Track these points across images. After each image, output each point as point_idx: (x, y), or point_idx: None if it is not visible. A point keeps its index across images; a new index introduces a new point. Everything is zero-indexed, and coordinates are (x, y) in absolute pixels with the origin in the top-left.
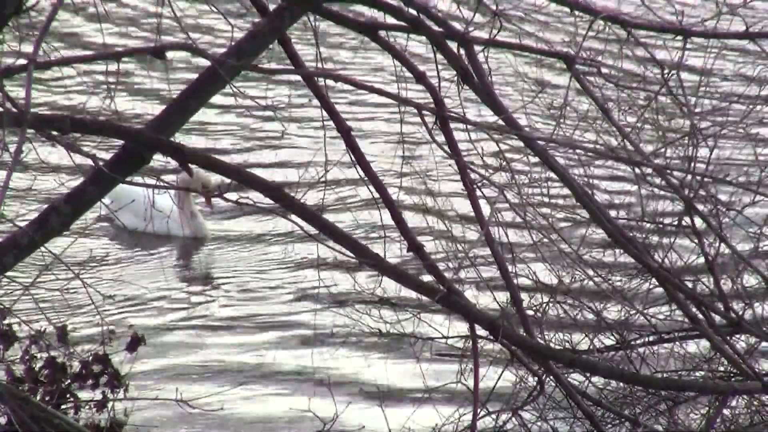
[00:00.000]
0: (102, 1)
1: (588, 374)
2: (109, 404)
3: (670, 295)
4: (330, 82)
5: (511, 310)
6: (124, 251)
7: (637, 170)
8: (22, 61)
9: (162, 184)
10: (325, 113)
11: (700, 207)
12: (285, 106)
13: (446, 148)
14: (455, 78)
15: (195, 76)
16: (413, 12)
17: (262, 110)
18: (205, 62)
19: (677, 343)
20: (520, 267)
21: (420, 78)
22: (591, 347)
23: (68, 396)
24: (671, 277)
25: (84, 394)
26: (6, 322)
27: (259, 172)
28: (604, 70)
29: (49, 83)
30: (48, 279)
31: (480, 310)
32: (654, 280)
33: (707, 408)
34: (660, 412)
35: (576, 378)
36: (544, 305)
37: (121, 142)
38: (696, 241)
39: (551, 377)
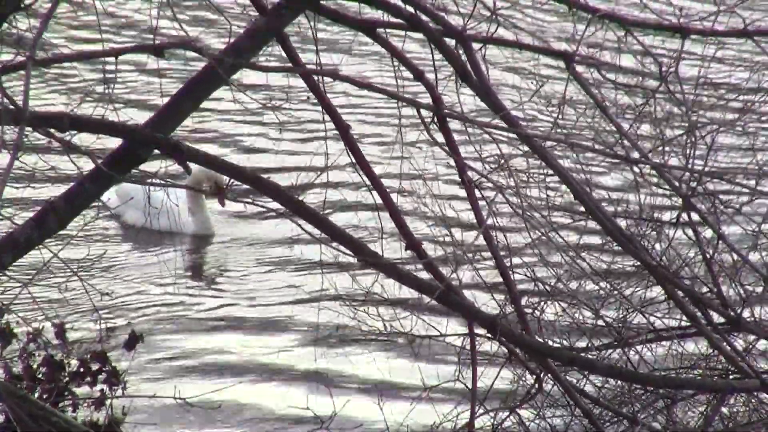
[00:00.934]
0: (101, 1)
1: (586, 372)
2: (108, 402)
3: (669, 293)
4: (328, 80)
5: (509, 308)
6: (125, 248)
7: (635, 168)
8: (21, 59)
9: (172, 182)
10: (325, 115)
11: (699, 205)
12: (282, 103)
13: (445, 147)
14: (453, 76)
15: (193, 74)
16: (411, 9)
17: (261, 108)
18: (202, 60)
19: (675, 341)
20: (519, 266)
21: (418, 76)
22: (589, 345)
23: (66, 394)
24: (670, 276)
25: (82, 392)
26: (4, 320)
27: (258, 172)
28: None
29: (48, 81)
30: (47, 277)
31: (478, 309)
32: (652, 278)
33: (705, 406)
34: (658, 410)
35: (574, 376)
36: (543, 304)
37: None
38: (694, 239)
39: (549, 375)
